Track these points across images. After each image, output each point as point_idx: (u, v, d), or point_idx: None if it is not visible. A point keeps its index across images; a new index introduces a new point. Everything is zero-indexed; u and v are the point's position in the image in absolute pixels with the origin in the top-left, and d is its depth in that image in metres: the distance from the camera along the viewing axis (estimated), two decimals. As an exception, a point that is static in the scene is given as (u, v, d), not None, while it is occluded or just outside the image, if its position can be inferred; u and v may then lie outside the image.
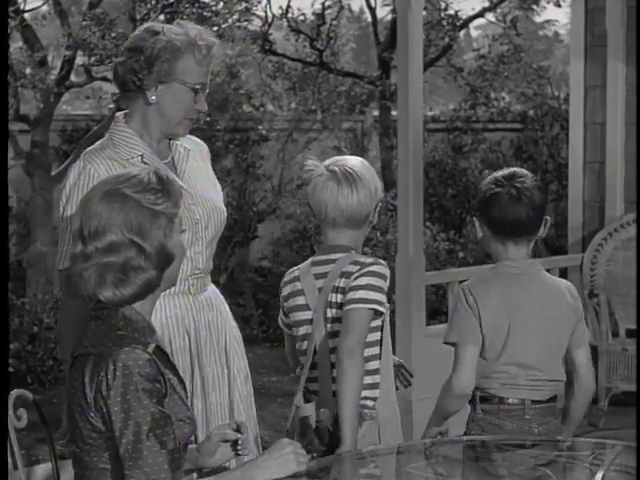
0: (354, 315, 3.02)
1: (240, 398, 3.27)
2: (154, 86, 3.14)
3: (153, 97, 3.15)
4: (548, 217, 3.29)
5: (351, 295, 3.04)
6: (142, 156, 3.16)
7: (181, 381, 2.47)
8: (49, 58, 8.39)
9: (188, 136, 3.31)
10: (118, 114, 3.27)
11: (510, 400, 3.25)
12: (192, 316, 3.16)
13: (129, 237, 2.39)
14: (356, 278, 3.06)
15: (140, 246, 2.40)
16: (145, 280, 2.42)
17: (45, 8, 8.62)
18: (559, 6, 11.92)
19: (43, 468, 4.88)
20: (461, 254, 9.69)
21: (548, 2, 12.14)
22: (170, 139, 3.27)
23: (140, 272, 2.41)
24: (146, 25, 3.23)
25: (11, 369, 7.52)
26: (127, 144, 3.17)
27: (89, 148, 3.18)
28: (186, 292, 3.16)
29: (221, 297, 3.33)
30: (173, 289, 3.02)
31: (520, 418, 3.25)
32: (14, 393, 3.15)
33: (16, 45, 8.54)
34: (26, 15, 8.22)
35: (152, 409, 2.33)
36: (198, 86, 3.17)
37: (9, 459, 3.12)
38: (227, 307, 3.34)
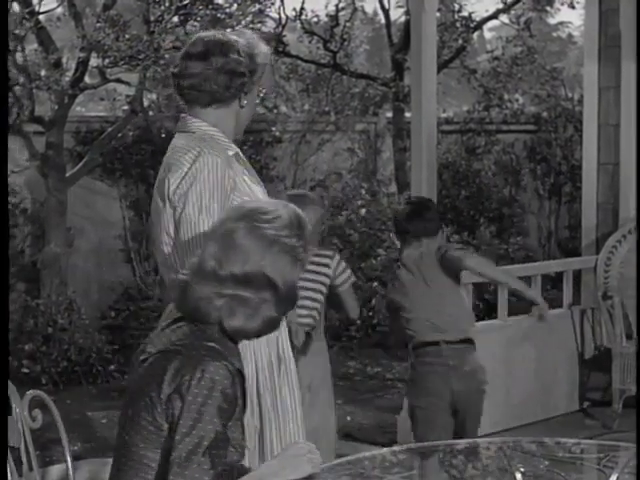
0: None
1: None
2: (247, 90, 3.21)
3: (245, 101, 3.22)
4: (444, 226, 5.00)
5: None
6: (237, 154, 3.21)
7: (244, 409, 2.50)
8: (63, 60, 8.39)
9: None
10: (191, 118, 3.26)
11: (429, 341, 4.58)
12: None
13: (270, 278, 2.45)
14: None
15: (277, 289, 2.47)
16: (271, 319, 2.49)
17: (60, 10, 8.63)
18: (573, 8, 11.91)
19: (57, 469, 4.89)
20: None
21: (562, 4, 12.13)
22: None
23: (268, 311, 2.48)
24: (211, 33, 3.26)
25: (25, 370, 7.55)
26: (219, 142, 3.19)
27: (197, 146, 3.15)
28: None
29: None
30: None
31: (438, 354, 4.57)
32: (29, 394, 3.16)
33: (31, 47, 8.56)
34: (41, 17, 8.24)
35: (218, 428, 2.35)
36: (265, 90, 3.27)
37: (24, 460, 3.13)
38: None
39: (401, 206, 4.98)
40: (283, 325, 3.14)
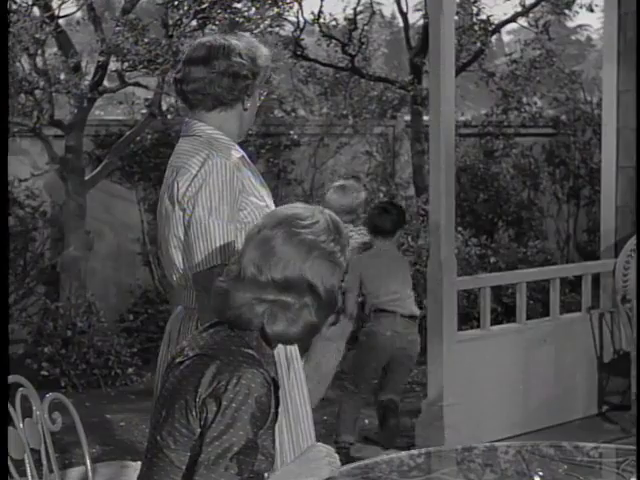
0: None
1: None
2: (250, 93, 3.25)
3: (248, 104, 3.25)
4: (405, 225, 6.59)
5: None
6: (242, 157, 3.23)
7: (276, 418, 2.51)
8: (83, 63, 8.41)
9: None
10: (195, 122, 3.29)
11: (388, 310, 5.88)
12: None
13: (310, 283, 2.47)
14: None
15: (318, 294, 2.48)
16: (312, 324, 2.50)
17: (79, 14, 8.66)
18: (592, 11, 11.85)
19: (77, 471, 4.91)
20: (493, 259, 9.66)
21: (581, 7, 12.08)
22: None
23: (309, 316, 2.49)
24: (211, 38, 3.29)
25: (45, 373, 7.58)
26: (225, 145, 3.22)
27: (204, 149, 3.18)
28: None
29: None
30: None
31: (392, 322, 5.88)
32: (49, 397, 3.18)
33: (51, 51, 8.59)
34: (60, 21, 8.26)
35: (250, 436, 2.36)
36: (265, 92, 3.33)
37: (44, 462, 3.15)
38: None
39: (374, 209, 6.22)
40: None
